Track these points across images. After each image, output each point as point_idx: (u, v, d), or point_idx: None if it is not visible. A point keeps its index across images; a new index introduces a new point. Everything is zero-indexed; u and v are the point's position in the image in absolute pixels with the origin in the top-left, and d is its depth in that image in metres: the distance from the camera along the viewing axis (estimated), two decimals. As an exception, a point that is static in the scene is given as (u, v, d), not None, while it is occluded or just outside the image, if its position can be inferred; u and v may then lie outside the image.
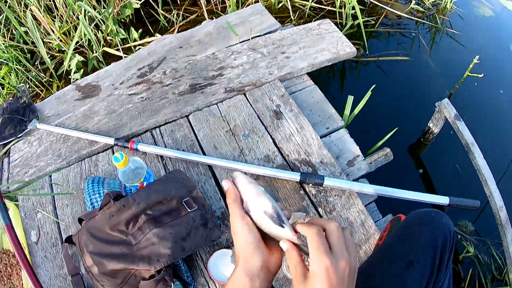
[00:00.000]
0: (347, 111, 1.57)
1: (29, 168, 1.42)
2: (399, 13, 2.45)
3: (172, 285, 1.00)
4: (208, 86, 1.51)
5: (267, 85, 1.51)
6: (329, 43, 1.68)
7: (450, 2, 2.59)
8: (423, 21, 2.50)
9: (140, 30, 2.12)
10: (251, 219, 0.57)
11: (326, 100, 1.56)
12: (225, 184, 0.60)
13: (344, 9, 2.19)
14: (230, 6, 2.09)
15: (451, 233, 0.83)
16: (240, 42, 1.68)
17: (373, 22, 2.38)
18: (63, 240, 1.17)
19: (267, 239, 0.57)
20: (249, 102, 1.47)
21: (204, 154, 1.36)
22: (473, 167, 1.49)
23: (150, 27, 2.24)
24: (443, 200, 1.23)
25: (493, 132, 2.00)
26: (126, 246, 1.01)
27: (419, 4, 2.61)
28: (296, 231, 0.55)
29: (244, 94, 1.49)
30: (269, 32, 1.76)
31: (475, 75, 1.92)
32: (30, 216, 1.30)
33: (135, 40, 2.04)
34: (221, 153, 1.35)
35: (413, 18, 2.49)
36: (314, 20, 1.85)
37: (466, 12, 2.85)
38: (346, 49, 1.67)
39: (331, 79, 2.18)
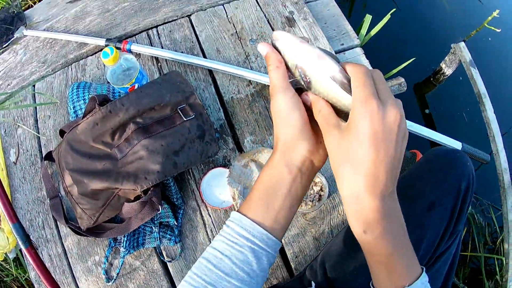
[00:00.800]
0: (363, 30, 1.45)
1: (12, 79, 1.28)
2: None
3: (160, 209, 0.85)
4: (215, -17, 1.34)
5: (281, -13, 1.34)
6: None
7: None
8: None
9: None
10: (307, 90, 0.43)
11: (342, 15, 1.39)
12: (263, 48, 0.44)
13: None
14: None
15: (474, 178, 0.73)
16: None
17: None
18: (43, 157, 1.03)
19: (314, 123, 0.43)
20: (259, 5, 1.29)
21: (205, 57, 1.21)
22: (480, 119, 1.39)
23: None
24: (456, 144, 1.15)
25: (505, 88, 1.86)
26: (110, 161, 0.85)
27: None
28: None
29: (255, -4, 1.33)
30: None
31: (493, 28, 1.79)
32: (10, 133, 1.16)
33: None
34: (224, 57, 1.20)
35: None
36: None
37: None
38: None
39: None
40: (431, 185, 0.72)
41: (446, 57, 1.59)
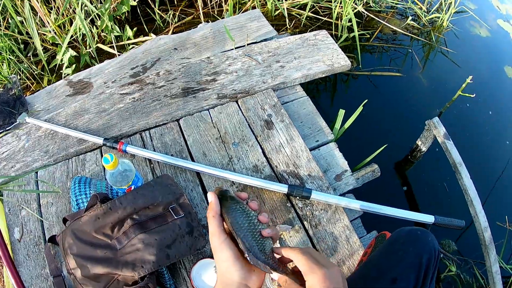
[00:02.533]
0: (337, 124, 1.57)
1: (15, 162, 1.41)
2: (395, 28, 2.46)
3: (155, 293, 1.00)
4: (200, 91, 1.50)
5: (260, 93, 1.50)
6: (324, 55, 1.68)
7: (447, 20, 2.59)
8: (418, 38, 2.51)
9: (135, 29, 2.10)
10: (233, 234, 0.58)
11: (317, 113, 1.55)
12: (210, 197, 0.61)
13: (341, 21, 2.18)
14: (227, 10, 2.08)
15: (435, 251, 0.84)
16: (235, 48, 1.67)
17: (368, 36, 2.38)
18: (46, 239, 1.16)
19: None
20: (241, 110, 1.46)
21: (192, 160, 1.36)
22: (459, 187, 1.50)
23: (145, 26, 2.23)
24: (429, 218, 1.24)
25: (480, 153, 2.01)
26: (110, 250, 1.01)
27: (415, 20, 2.61)
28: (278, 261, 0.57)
29: (236, 102, 1.48)
30: (265, 40, 1.76)
31: (467, 95, 1.94)
32: (14, 213, 1.28)
33: (129, 39, 2.02)
34: (210, 161, 1.35)
35: (408, 34, 2.49)
36: (310, 31, 1.84)
37: (462, 31, 2.86)
38: (341, 61, 1.67)
39: (323, 91, 2.18)
40: (393, 262, 0.84)
41: (422, 134, 1.70)
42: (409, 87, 2.26)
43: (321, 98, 2.13)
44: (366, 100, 1.63)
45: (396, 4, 2.60)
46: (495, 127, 2.22)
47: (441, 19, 2.65)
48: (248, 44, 1.69)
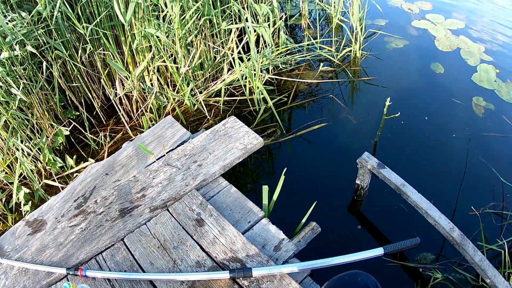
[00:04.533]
0: (265, 200, 1.78)
1: None
2: (310, 81, 2.78)
3: None
4: (134, 209, 1.80)
5: (186, 196, 1.81)
6: (236, 140, 2.00)
7: (359, 49, 2.91)
8: (337, 79, 2.82)
9: (75, 156, 2.39)
10: None
11: (243, 196, 1.82)
12: None
13: (254, 95, 2.49)
14: (144, 125, 2.40)
15: (372, 286, 0.95)
16: (156, 160, 1.97)
17: (286, 99, 2.70)
18: None
19: None
20: (173, 216, 1.76)
21: (143, 271, 1.63)
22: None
23: (82, 152, 2.51)
24: (378, 252, 1.39)
25: (430, 156, 2.39)
26: None
27: (330, 64, 2.91)
28: None
29: (168, 210, 1.79)
30: (181, 143, 2.08)
31: (392, 116, 2.27)
32: None
33: (71, 167, 2.29)
34: (158, 268, 1.63)
35: (325, 80, 2.81)
36: (228, 115, 2.12)
37: (379, 52, 3.21)
38: (253, 141, 2.00)
39: (246, 173, 2.42)
40: None
41: (358, 173, 1.86)
42: (338, 132, 2.56)
43: (247, 179, 2.39)
44: (286, 169, 1.85)
45: (305, 56, 2.92)
46: (436, 127, 2.58)
47: (353, 51, 2.97)
48: (167, 153, 2.00)
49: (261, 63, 2.54)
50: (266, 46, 2.68)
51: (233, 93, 2.70)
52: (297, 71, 2.91)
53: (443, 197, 2.05)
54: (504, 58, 3.71)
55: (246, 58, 2.41)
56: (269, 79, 2.66)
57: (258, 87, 2.40)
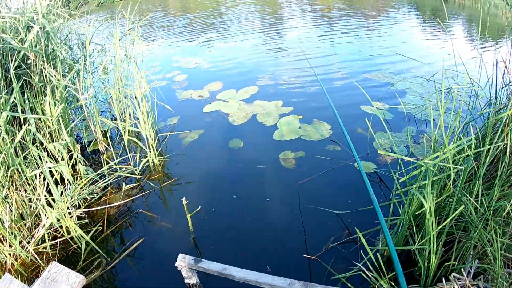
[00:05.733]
0: None
1: None
2: (118, 203, 2.86)
3: None
4: None
5: None
6: (62, 282, 1.96)
7: (156, 157, 3.11)
8: (144, 192, 2.95)
9: None
10: None
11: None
12: None
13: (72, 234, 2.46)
14: None
15: None
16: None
17: (101, 227, 2.72)
18: None
19: None
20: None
21: None
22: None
23: None
24: None
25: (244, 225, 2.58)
26: None
27: (138, 180, 3.02)
28: None
29: None
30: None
31: (194, 212, 2.46)
32: None
33: None
34: None
35: (133, 198, 2.92)
36: (57, 258, 2.04)
37: (176, 151, 3.44)
38: (76, 280, 1.97)
39: None
40: None
41: (184, 280, 1.99)
42: (156, 242, 2.61)
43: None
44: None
45: (108, 181, 3.00)
46: (247, 199, 2.83)
47: (151, 160, 3.16)
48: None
49: (67, 202, 2.57)
50: (70, 182, 2.72)
51: (56, 235, 2.62)
52: (104, 197, 2.98)
53: (279, 258, 2.30)
54: (303, 103, 4.26)
55: (52, 200, 2.42)
56: (80, 214, 2.68)
57: (72, 227, 2.41)
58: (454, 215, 1.75)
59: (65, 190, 2.69)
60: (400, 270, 1.82)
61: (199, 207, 2.54)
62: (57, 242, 2.62)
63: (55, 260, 2.39)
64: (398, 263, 1.86)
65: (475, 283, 1.71)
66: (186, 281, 2.16)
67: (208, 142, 3.65)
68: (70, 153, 2.93)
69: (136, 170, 3.11)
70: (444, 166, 1.93)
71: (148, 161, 3.18)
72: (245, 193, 2.96)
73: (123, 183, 3.03)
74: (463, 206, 1.74)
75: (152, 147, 3.15)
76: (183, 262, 2.05)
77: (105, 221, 2.79)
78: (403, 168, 2.29)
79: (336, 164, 3.10)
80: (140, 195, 3.02)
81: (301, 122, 3.78)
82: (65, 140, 2.76)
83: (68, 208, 2.58)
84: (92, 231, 2.61)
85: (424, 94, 4.21)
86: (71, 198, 2.66)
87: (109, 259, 2.50)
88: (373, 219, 2.42)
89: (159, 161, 3.25)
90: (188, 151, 3.50)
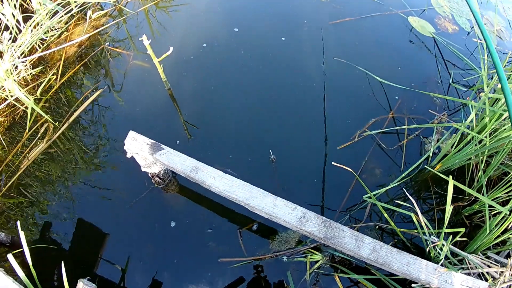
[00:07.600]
0: None
1: None
2: (80, 38, 2.22)
3: None
4: None
5: None
6: None
7: None
8: (116, 20, 2.29)
9: None
10: None
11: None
12: None
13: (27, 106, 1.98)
14: None
15: None
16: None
17: (55, 77, 2.16)
18: None
19: None
20: None
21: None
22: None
23: None
24: None
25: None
26: None
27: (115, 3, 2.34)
28: None
29: None
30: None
31: (162, 58, 1.81)
32: None
33: None
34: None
35: (98, 30, 2.24)
36: None
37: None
38: None
39: None
40: None
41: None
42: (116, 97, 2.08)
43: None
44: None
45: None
46: (249, 39, 2.07)
47: None
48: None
49: (15, 51, 2.02)
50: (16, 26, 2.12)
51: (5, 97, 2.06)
52: (66, 32, 2.27)
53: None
54: None
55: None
56: (31, 66, 2.13)
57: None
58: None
59: (11, 39, 2.10)
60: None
61: (171, 48, 1.74)
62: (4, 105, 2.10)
63: (4, 129, 1.98)
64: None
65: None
66: (144, 169, 1.54)
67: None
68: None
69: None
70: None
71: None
72: (251, 27, 2.09)
73: (89, 11, 2.30)
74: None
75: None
76: (133, 145, 1.36)
77: (60, 67, 2.17)
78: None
79: (384, 11, 2.28)
80: (111, 23, 2.32)
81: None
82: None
83: (18, 57, 2.04)
84: (43, 84, 2.09)
85: None
86: (19, 46, 2.09)
87: (57, 124, 2.01)
88: (428, 107, 1.70)
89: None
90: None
